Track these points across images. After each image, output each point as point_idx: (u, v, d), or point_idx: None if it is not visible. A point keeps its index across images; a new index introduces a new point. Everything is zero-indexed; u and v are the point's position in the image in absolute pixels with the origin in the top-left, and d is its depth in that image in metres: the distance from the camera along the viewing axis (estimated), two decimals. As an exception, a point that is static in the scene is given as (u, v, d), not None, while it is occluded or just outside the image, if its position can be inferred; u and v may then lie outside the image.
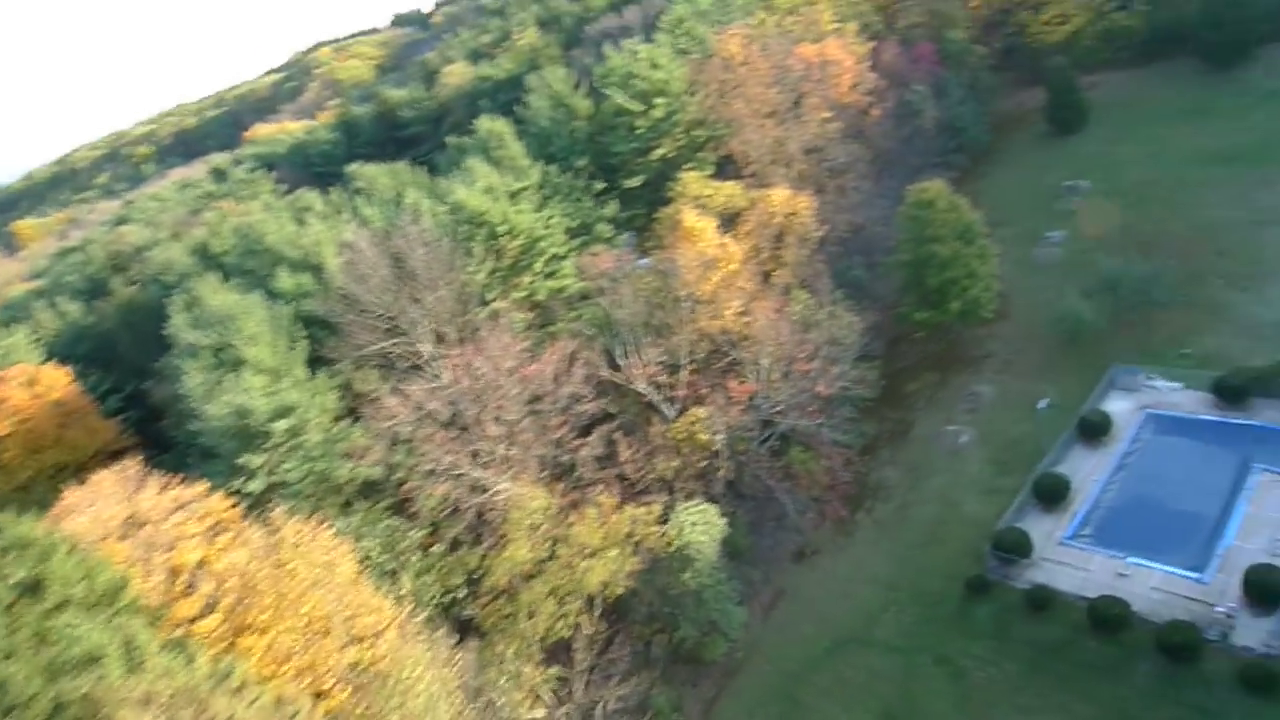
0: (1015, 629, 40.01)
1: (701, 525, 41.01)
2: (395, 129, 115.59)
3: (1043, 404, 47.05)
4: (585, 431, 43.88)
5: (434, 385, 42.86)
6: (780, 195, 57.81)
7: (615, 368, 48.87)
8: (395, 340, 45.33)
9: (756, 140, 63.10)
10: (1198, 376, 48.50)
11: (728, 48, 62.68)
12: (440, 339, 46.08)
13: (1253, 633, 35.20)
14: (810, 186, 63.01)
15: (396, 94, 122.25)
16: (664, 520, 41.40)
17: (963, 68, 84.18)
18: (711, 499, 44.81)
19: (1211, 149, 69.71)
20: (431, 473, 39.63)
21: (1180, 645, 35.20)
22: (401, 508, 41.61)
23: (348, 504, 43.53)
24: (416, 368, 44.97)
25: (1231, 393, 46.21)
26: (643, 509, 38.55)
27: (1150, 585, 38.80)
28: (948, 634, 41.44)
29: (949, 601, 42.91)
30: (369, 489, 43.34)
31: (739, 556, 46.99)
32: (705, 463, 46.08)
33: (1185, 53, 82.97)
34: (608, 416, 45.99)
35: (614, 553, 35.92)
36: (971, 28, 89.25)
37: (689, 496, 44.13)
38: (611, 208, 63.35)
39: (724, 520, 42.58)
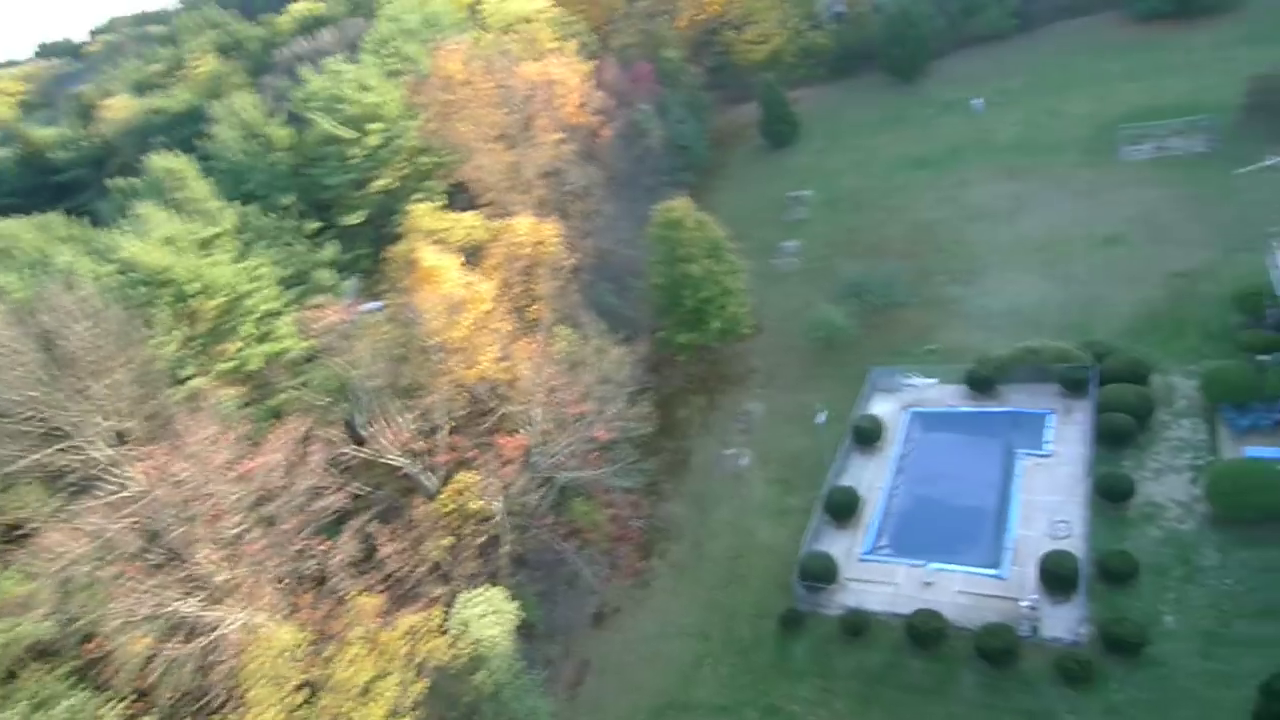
0: (838, 661, 37.68)
1: (490, 616, 34.53)
2: (46, 174, 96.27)
3: (821, 418, 45.81)
4: (334, 529, 35.63)
5: (118, 500, 32.60)
6: (525, 224, 52.68)
7: (360, 441, 40.96)
8: (56, 447, 34.29)
9: (489, 165, 57.57)
10: (949, 370, 49.88)
11: (447, 66, 56.63)
12: (121, 438, 35.67)
13: (1059, 622, 35.27)
14: (553, 212, 58.56)
15: (45, 133, 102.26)
16: (446, 617, 34.39)
17: (680, 87, 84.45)
18: (496, 578, 38.43)
19: (910, 155, 74.60)
20: (128, 622, 29.62)
21: (998, 650, 34.41)
22: (90, 673, 31.00)
23: (10, 675, 32.03)
24: (92, 480, 34.26)
25: (982, 383, 47.74)
26: (420, 616, 31.35)
27: (955, 590, 38.15)
28: (770, 680, 38.30)
29: (765, 643, 39.86)
30: (39, 652, 32.10)
31: (534, 634, 40.96)
32: (484, 536, 39.59)
33: (873, 68, 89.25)
34: (360, 504, 38.05)
35: (392, 681, 28.53)
36: (682, 47, 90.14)
37: (471, 580, 37.39)
38: (331, 250, 54.83)
39: (515, 603, 36.34)
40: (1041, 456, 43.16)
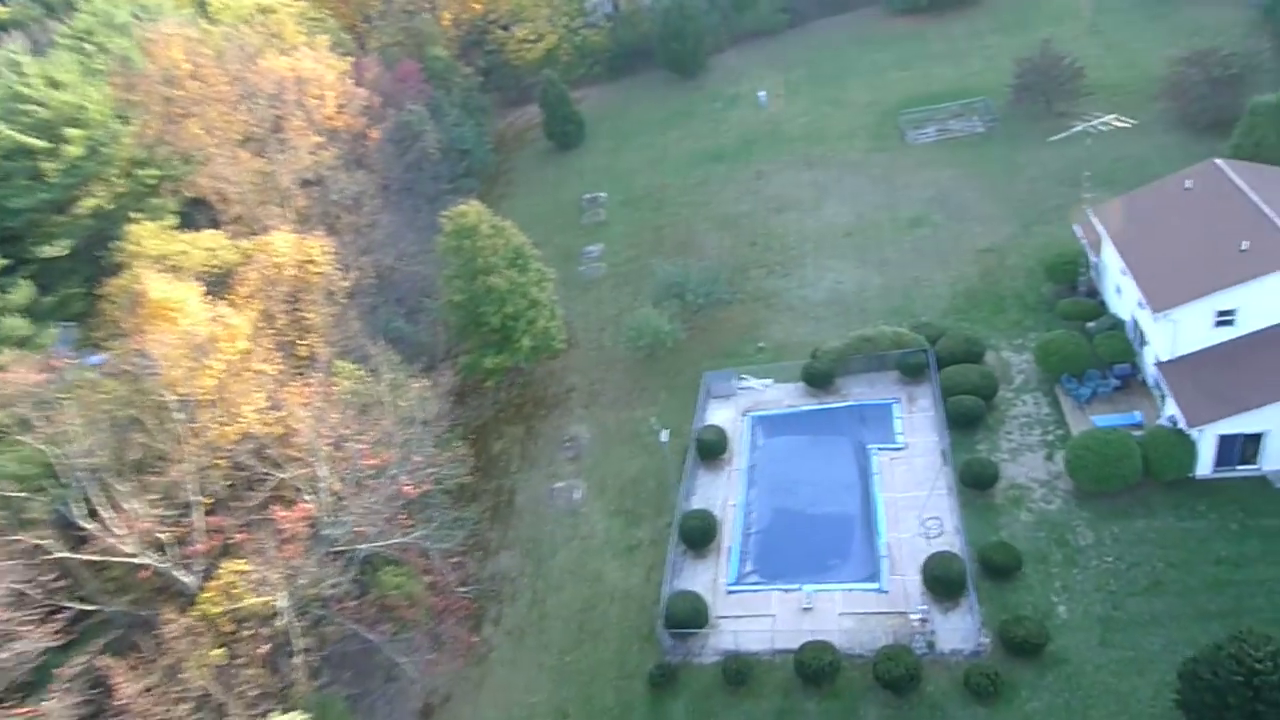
0: (724, 717, 32.21)
1: (288, 756, 25.84)
2: None
3: (664, 436, 40.42)
4: (41, 679, 25.21)
5: None
6: (284, 241, 43.31)
7: (80, 537, 30.42)
8: None
9: (233, 175, 47.43)
10: (784, 368, 46.36)
11: (167, 55, 45.92)
12: None
13: (954, 633, 31.95)
14: (319, 226, 49.38)
15: None
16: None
17: (452, 87, 76.93)
18: (290, 696, 29.51)
19: (703, 150, 71.81)
20: None
21: (898, 676, 30.38)
22: None
23: None
24: None
25: (820, 377, 44.53)
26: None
27: (838, 613, 33.99)
28: (648, 755, 32.22)
29: (635, 710, 33.69)
30: None
31: (346, 753, 32.25)
32: (268, 642, 30.46)
33: (653, 65, 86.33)
34: (88, 630, 27.72)
35: None
36: (451, 47, 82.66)
37: (256, 706, 28.26)
38: (24, 291, 42.56)
39: (319, 725, 27.75)
40: (895, 450, 40.33)
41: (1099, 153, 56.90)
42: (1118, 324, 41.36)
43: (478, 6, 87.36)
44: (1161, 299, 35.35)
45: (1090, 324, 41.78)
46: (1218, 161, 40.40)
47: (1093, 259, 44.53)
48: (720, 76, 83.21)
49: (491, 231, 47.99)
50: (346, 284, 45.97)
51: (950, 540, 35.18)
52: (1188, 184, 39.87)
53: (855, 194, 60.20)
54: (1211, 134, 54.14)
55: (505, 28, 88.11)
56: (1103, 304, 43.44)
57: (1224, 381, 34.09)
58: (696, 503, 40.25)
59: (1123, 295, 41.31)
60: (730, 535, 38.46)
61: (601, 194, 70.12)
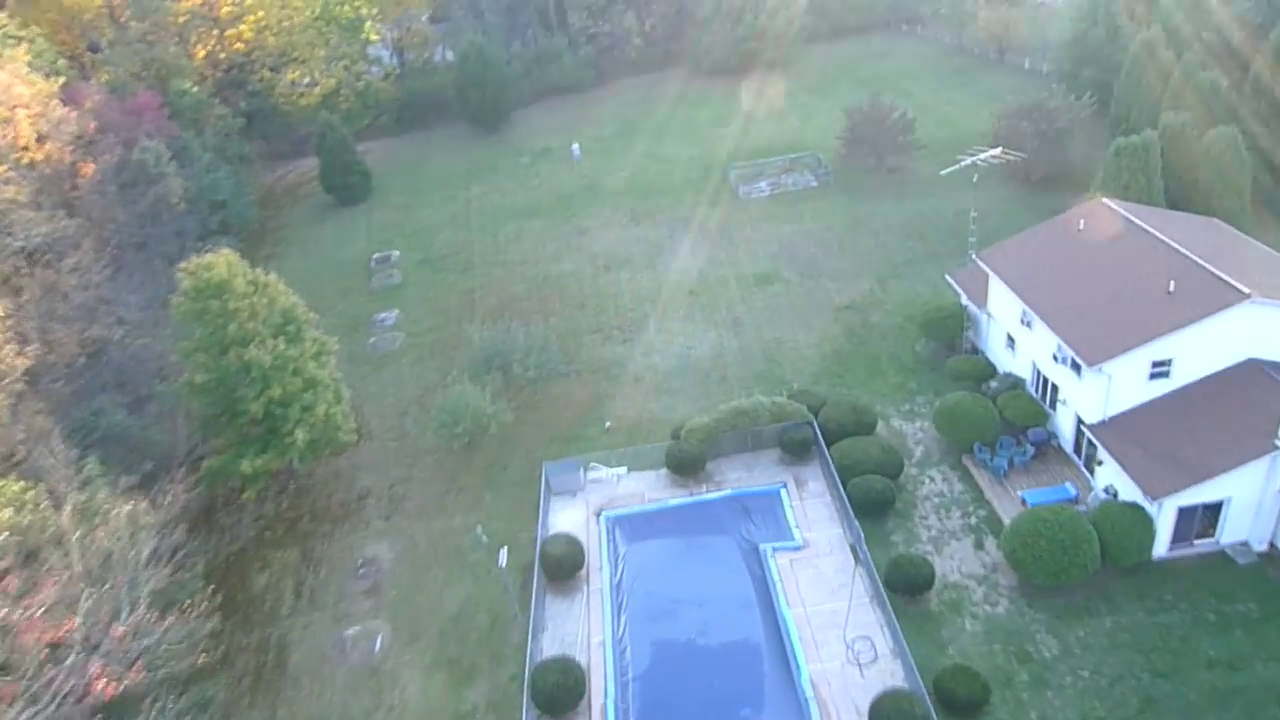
0: None
1: None
2: None
3: (501, 558, 29.50)
4: None
5: None
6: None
7: None
8: None
9: None
10: (641, 453, 37.03)
11: None
12: None
13: (931, 814, 23.08)
14: (-11, 285, 34.72)
15: None
16: None
17: (205, 128, 63.15)
18: None
19: (514, 205, 62.69)
20: None
21: None
22: None
23: None
24: None
25: (687, 462, 35.56)
26: None
27: (766, 795, 24.23)
28: None
29: None
30: None
31: None
32: None
33: (449, 118, 76.93)
34: None
35: None
36: (206, 81, 68.79)
37: None
38: None
39: None
40: (793, 549, 31.85)
41: (938, 207, 53.99)
42: (1018, 383, 35.94)
43: (240, 45, 74.16)
44: (1094, 351, 29.79)
45: (993, 384, 36.05)
46: (1106, 200, 36.63)
47: (974, 311, 39.38)
48: (525, 131, 75.12)
49: (249, 289, 35.65)
50: (24, 362, 31.61)
51: (889, 667, 26.81)
52: (1080, 225, 35.58)
53: (693, 250, 53.14)
54: (1044, 187, 52.49)
55: (275, 69, 75.39)
56: (989, 362, 38.10)
57: (1173, 443, 28.71)
58: (550, 644, 29.40)
59: (1018, 350, 36.07)
60: (601, 688, 27.87)
61: (394, 253, 58.71)
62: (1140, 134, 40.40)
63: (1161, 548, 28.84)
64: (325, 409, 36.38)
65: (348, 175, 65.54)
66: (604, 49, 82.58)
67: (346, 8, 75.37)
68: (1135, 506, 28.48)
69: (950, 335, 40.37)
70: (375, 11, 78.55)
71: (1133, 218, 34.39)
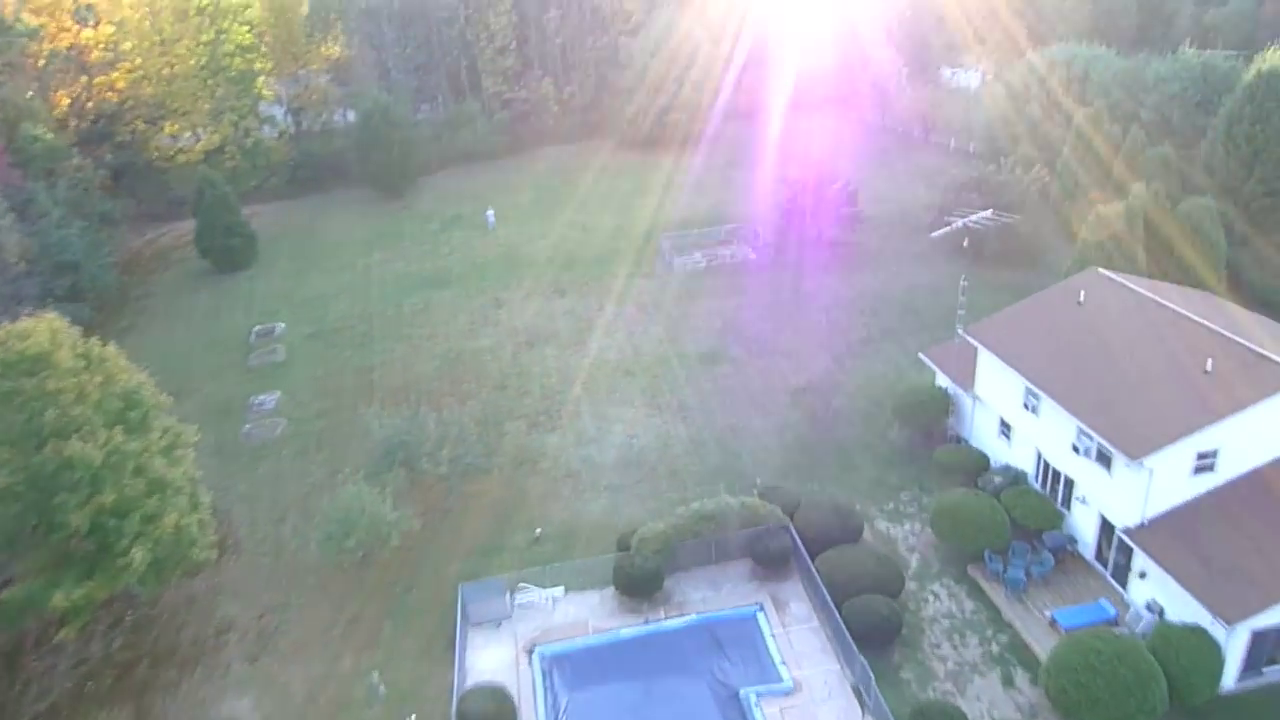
0: None
1: None
2: None
3: (378, 685, 21.76)
4: None
5: None
6: None
7: None
8: None
9: None
10: (581, 569, 29.98)
11: None
12: None
13: None
14: None
15: None
16: None
17: (58, 180, 54.21)
18: None
19: (421, 274, 55.78)
20: None
21: None
22: None
23: None
24: None
25: (640, 580, 28.71)
26: None
27: None
28: None
29: None
30: None
31: None
32: None
33: (350, 182, 70.03)
34: None
35: None
36: (67, 129, 60.04)
37: None
38: None
39: None
40: (782, 693, 25.19)
41: (888, 282, 50.12)
42: (1020, 476, 30.93)
43: (111, 94, 65.83)
44: (1135, 442, 24.94)
45: (994, 479, 30.87)
46: (1104, 271, 32.75)
47: (956, 394, 34.58)
48: (434, 197, 68.79)
49: (79, 364, 27.54)
50: None
51: None
52: (1081, 297, 31.41)
53: (627, 325, 47.23)
54: (997, 263, 49.23)
55: (151, 121, 67.13)
56: (981, 453, 33.10)
57: (1233, 551, 23.82)
58: (471, 846, 21.56)
59: (1016, 438, 31.22)
60: None
61: (279, 325, 50.65)
62: (1125, 202, 37.24)
63: (1230, 679, 23.61)
64: (176, 519, 28.01)
65: (229, 238, 57.31)
66: (520, 115, 77.82)
67: (238, 59, 68.26)
68: (1197, 630, 23.25)
69: (928, 421, 35.34)
70: (270, 66, 71.69)
71: (1139, 289, 30.45)
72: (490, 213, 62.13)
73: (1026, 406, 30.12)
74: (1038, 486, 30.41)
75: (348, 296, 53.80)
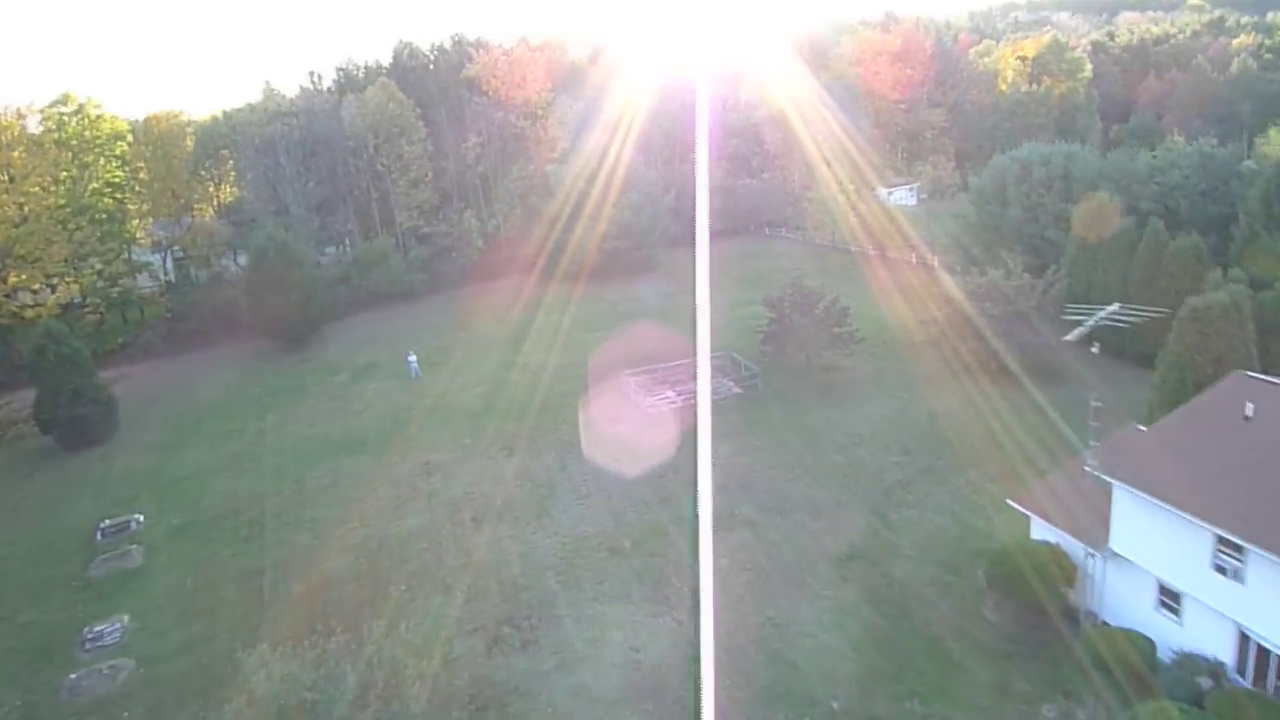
0: None
1: None
2: None
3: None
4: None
5: None
6: None
7: None
8: None
9: None
10: None
11: None
12: None
13: None
14: None
15: None
16: None
17: None
18: None
19: (327, 437, 44.54)
20: None
21: None
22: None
23: None
24: None
25: None
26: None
27: None
28: None
29: None
30: None
31: None
32: None
33: (242, 332, 59.03)
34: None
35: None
36: None
37: None
38: None
39: None
40: None
41: (904, 409, 41.71)
42: (1216, 669, 21.34)
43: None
44: None
45: (1191, 677, 21.11)
46: (1250, 374, 24.73)
47: (1074, 552, 25.31)
48: (343, 345, 58.33)
49: None
50: None
51: None
52: (1249, 411, 23.04)
53: (601, 489, 36.75)
54: (1035, 374, 41.51)
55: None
56: (1145, 637, 23.52)
57: None
58: None
59: (1192, 613, 21.91)
60: None
61: (136, 517, 38.18)
62: (1230, 289, 30.05)
63: None
64: None
65: (78, 406, 45.00)
66: (440, 251, 69.08)
67: (106, 199, 57.78)
68: None
69: (1038, 591, 25.72)
70: (145, 207, 61.41)
71: (1325, 396, 22.36)
72: (412, 358, 51.84)
73: (1219, 567, 20.95)
74: (1244, 682, 20.89)
75: (232, 472, 41.81)
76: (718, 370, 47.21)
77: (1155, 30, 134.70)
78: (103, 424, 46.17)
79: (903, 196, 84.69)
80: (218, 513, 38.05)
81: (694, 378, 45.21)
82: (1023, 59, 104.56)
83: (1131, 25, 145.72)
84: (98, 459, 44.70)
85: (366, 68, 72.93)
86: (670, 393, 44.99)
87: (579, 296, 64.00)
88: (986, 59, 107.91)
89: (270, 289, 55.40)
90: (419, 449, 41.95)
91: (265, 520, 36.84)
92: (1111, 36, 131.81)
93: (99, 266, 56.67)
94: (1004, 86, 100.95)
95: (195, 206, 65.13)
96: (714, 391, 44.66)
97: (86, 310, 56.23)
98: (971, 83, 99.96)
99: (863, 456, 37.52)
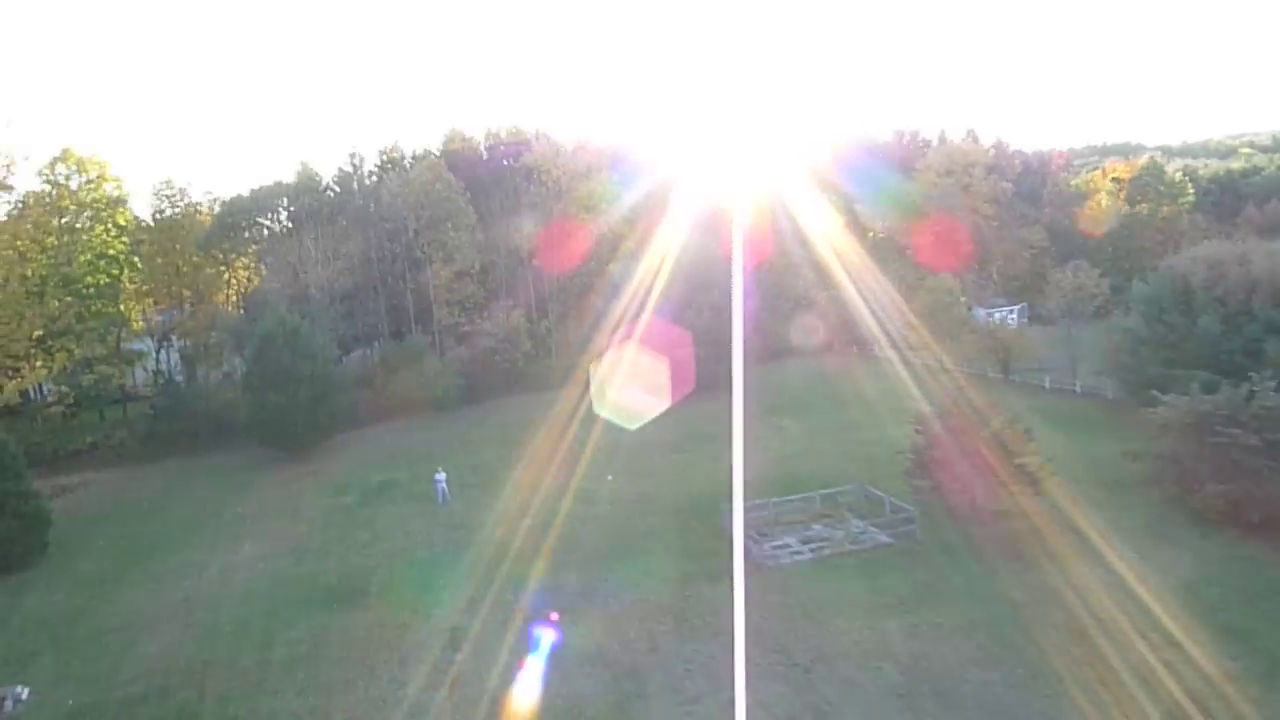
0: None
1: None
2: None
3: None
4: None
5: None
6: None
7: None
8: None
9: None
10: None
11: None
12: None
13: None
14: None
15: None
16: None
17: None
18: None
19: (314, 581, 31.92)
20: None
21: None
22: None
23: None
24: None
25: None
26: None
27: None
28: None
29: None
30: None
31: None
32: None
33: (236, 440, 47.70)
34: None
35: None
36: None
37: None
38: None
39: None
40: None
41: (1139, 575, 28.28)
42: None
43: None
44: None
45: None
46: None
47: None
48: (354, 457, 46.56)
49: None
50: None
51: None
52: None
53: (713, 686, 23.43)
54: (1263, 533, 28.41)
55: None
56: None
57: None
58: None
59: None
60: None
61: (18, 691, 25.29)
62: None
63: None
64: None
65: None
66: (482, 353, 58.06)
67: (100, 274, 48.03)
68: None
69: None
70: (145, 287, 51.53)
71: None
72: (441, 476, 39.66)
73: None
74: None
75: (176, 625, 29.07)
76: (850, 508, 34.44)
77: (1236, 166, 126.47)
78: (23, 544, 34.03)
79: (1003, 317, 73.62)
80: (137, 691, 25.13)
81: (819, 517, 32.54)
82: (1118, 180, 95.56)
83: (1205, 163, 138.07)
84: (4, 593, 32.28)
85: (414, 155, 64.71)
86: (791, 540, 32.08)
87: (652, 411, 52.06)
88: (1075, 180, 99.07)
89: (273, 385, 44.19)
90: (441, 605, 29.08)
91: (201, 712, 23.84)
92: (1192, 172, 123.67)
93: (73, 349, 46.08)
94: (1101, 208, 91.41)
95: (205, 291, 55.30)
96: (856, 539, 31.69)
97: (52, 402, 45.20)
98: (1065, 202, 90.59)
99: (1103, 647, 24.07)
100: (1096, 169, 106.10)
